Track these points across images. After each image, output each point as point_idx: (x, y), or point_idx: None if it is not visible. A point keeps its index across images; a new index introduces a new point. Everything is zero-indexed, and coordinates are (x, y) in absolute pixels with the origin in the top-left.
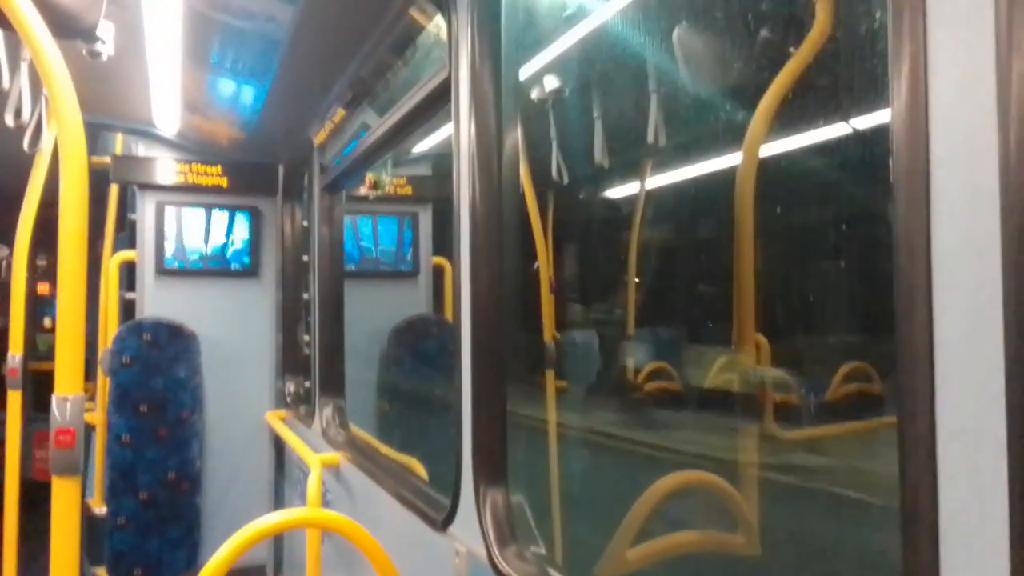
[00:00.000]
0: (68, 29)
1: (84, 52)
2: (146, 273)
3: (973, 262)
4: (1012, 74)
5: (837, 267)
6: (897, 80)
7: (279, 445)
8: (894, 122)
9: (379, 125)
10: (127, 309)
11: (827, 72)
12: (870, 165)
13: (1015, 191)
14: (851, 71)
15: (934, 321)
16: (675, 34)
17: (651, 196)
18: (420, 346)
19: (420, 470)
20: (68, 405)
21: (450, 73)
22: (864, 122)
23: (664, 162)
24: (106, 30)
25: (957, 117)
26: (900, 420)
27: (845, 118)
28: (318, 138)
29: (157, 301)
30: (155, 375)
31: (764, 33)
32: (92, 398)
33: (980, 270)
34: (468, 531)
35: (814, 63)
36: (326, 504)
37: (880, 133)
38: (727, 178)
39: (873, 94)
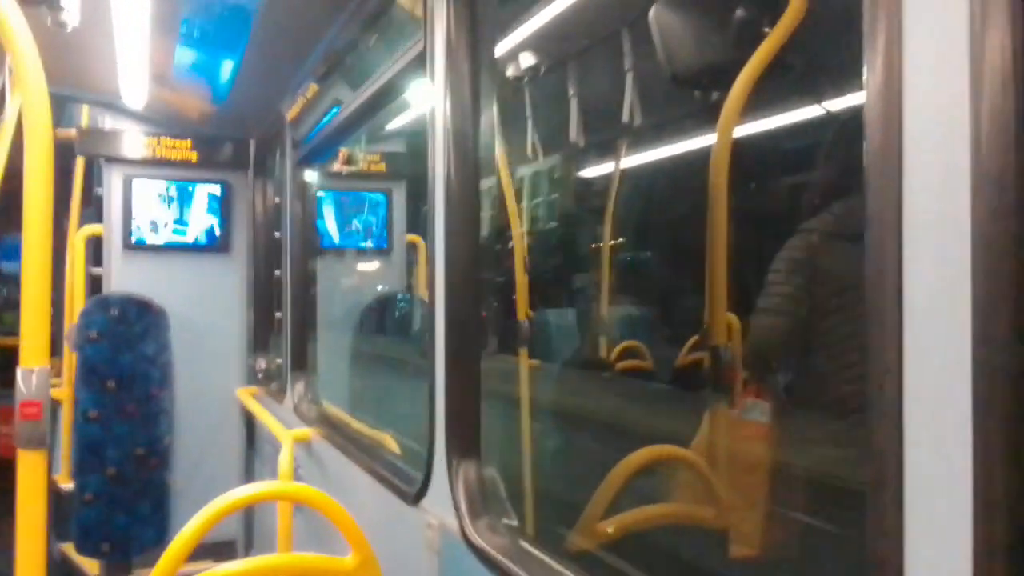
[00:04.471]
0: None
1: (49, 21)
2: (113, 248)
3: (943, 238)
4: (985, 55)
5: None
6: (872, 60)
7: (250, 421)
8: (868, 101)
9: (353, 99)
10: (93, 284)
11: (802, 52)
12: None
13: (986, 170)
14: (826, 51)
15: (903, 293)
16: (651, 12)
17: (626, 175)
18: (393, 322)
19: (393, 445)
20: (34, 377)
21: (425, 46)
22: (838, 103)
23: (639, 141)
24: None
25: (931, 97)
26: (868, 388)
27: (819, 99)
28: (291, 113)
29: (124, 276)
30: (123, 350)
31: (740, 12)
32: (58, 374)
33: (950, 246)
34: (440, 504)
35: (789, 43)
36: (297, 479)
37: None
38: (702, 157)
39: (848, 74)
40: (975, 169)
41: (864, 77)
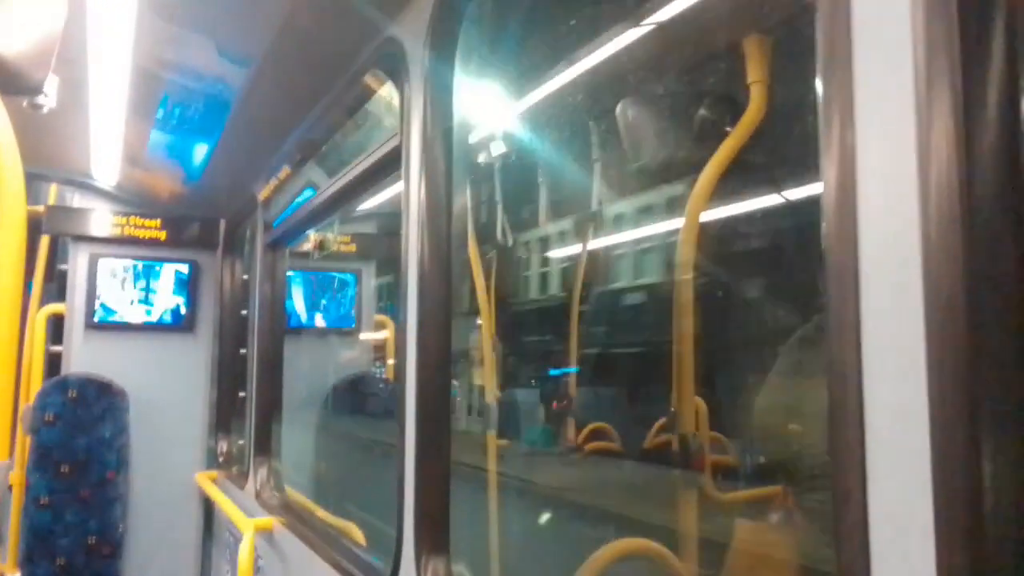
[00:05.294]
0: (14, 86)
1: (24, 104)
2: (75, 327)
3: (900, 335)
4: (931, 154)
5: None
6: (828, 160)
7: (208, 508)
8: (825, 198)
9: (328, 187)
10: (51, 364)
11: (761, 150)
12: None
13: (935, 258)
14: (782, 149)
15: (865, 407)
16: (619, 108)
17: (593, 258)
18: (361, 404)
19: (358, 536)
20: None
21: (401, 141)
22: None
23: (606, 225)
24: (50, 83)
25: (882, 192)
26: (835, 505)
27: (778, 191)
28: (263, 194)
29: (85, 356)
30: (79, 433)
31: (702, 112)
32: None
33: (906, 347)
34: None
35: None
36: (257, 572)
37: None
38: (668, 245)
39: (801, 172)
40: (925, 258)
41: (821, 175)
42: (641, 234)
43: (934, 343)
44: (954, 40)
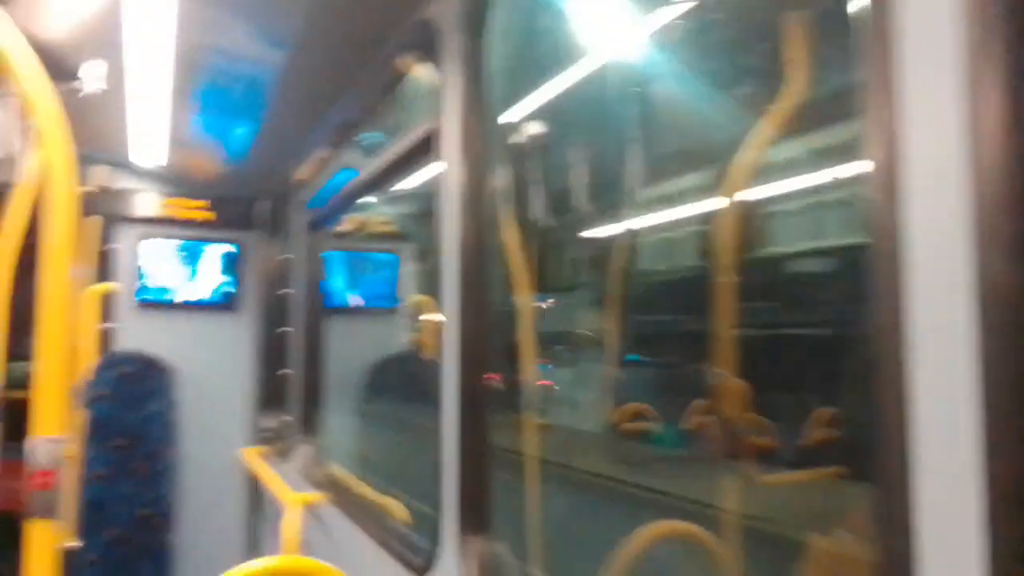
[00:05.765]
0: (62, 71)
1: (73, 87)
2: (123, 306)
3: (947, 320)
4: (980, 134)
5: None
6: (873, 141)
7: (255, 482)
8: (870, 181)
9: (365, 169)
10: (102, 342)
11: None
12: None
13: (985, 242)
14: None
15: (912, 394)
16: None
17: (632, 240)
18: (402, 382)
19: (401, 512)
20: (47, 446)
21: (438, 124)
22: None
23: (643, 207)
24: (97, 68)
25: (929, 175)
26: (877, 495)
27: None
28: (303, 175)
29: (134, 334)
30: (130, 409)
31: (745, 88)
32: None
33: (952, 337)
34: None
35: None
36: (303, 544)
37: None
38: (707, 223)
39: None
40: (976, 235)
41: (867, 155)
42: (682, 213)
43: (984, 328)
44: (1002, 15)
